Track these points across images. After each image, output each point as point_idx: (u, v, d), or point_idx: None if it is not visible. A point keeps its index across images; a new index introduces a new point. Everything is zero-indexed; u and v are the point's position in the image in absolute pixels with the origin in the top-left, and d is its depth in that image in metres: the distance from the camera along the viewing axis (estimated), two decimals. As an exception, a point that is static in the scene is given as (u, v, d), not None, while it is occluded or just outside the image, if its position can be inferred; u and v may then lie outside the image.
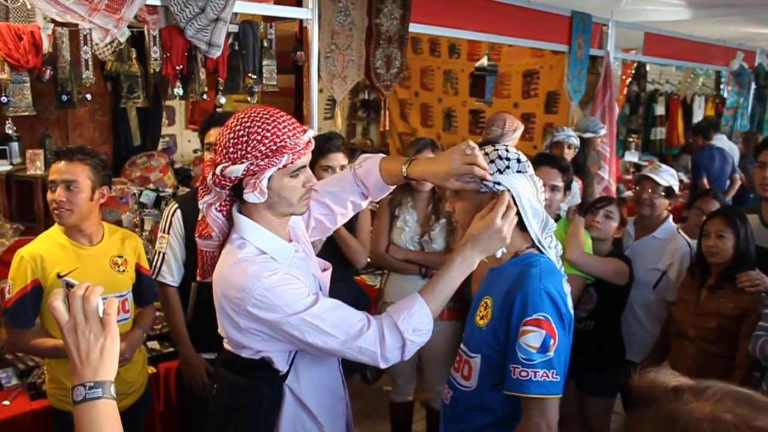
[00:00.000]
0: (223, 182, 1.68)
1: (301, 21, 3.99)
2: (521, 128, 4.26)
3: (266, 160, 1.64)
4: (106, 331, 1.17)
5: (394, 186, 1.98)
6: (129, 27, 3.18)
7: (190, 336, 2.88)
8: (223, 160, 1.67)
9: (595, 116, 6.08)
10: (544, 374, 1.66)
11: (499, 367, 1.74)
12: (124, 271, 2.65)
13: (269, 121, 1.65)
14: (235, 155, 1.65)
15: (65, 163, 2.45)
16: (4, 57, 2.94)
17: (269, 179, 1.66)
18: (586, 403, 3.28)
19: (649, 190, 3.38)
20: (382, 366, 1.73)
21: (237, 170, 1.64)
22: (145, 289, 2.79)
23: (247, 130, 1.64)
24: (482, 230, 1.72)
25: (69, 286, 1.20)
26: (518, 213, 1.76)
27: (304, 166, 1.73)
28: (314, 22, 3.91)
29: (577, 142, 4.55)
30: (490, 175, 1.74)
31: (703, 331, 2.88)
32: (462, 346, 1.92)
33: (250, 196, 1.67)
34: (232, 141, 1.65)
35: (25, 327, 2.49)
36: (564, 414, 3.18)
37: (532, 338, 1.67)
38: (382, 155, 1.97)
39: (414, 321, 1.70)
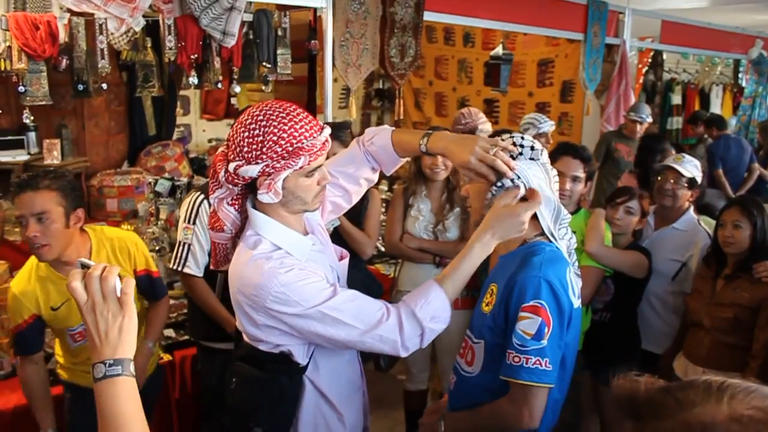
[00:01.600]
0: (235, 180, 1.64)
1: (315, 9, 3.99)
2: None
3: (282, 161, 1.59)
4: (123, 310, 1.19)
5: (407, 159, 1.95)
6: (144, 16, 3.19)
7: (213, 326, 2.81)
8: (237, 158, 1.62)
9: (610, 105, 6.04)
10: (537, 362, 1.65)
11: (499, 353, 1.73)
12: None
13: (286, 120, 1.60)
14: (250, 155, 1.60)
15: (31, 194, 2.19)
16: (21, 47, 2.97)
17: (284, 179, 1.63)
18: (601, 395, 3.28)
19: (671, 181, 3.34)
20: (403, 355, 1.73)
21: (252, 170, 1.60)
22: (155, 287, 2.65)
23: (263, 129, 1.59)
24: (506, 218, 1.71)
25: (85, 266, 1.22)
26: (525, 200, 1.76)
27: (320, 165, 1.70)
28: (328, 10, 3.90)
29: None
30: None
31: (718, 321, 2.86)
32: (468, 332, 1.92)
33: (264, 197, 1.64)
34: (247, 140, 1.60)
35: (32, 353, 2.44)
36: (581, 406, 3.21)
37: (527, 324, 1.67)
38: (390, 128, 1.93)
39: (432, 308, 1.70)
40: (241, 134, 1.62)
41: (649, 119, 5.33)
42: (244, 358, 1.82)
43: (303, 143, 1.60)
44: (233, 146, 1.64)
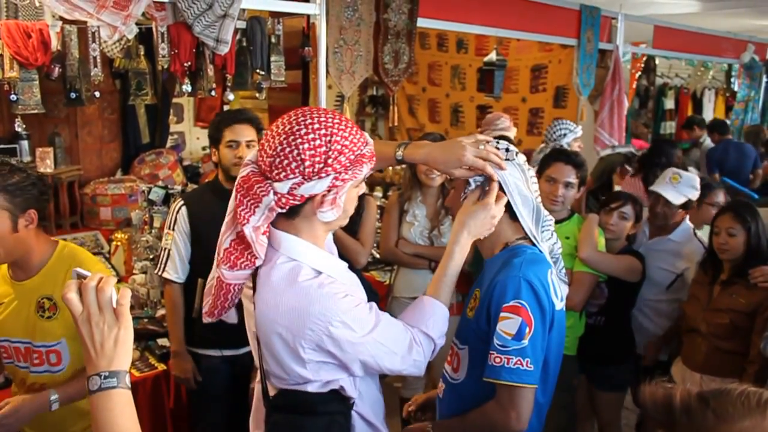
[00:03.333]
0: (290, 202, 1.46)
1: (308, 16, 3.98)
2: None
3: (349, 173, 1.48)
4: (119, 321, 1.18)
5: (379, 169, 1.89)
6: (137, 24, 3.18)
7: (195, 333, 2.89)
8: (292, 176, 1.44)
9: (603, 110, 6.05)
10: (518, 362, 1.65)
11: (483, 357, 1.73)
12: (51, 317, 2.12)
13: (344, 128, 1.48)
14: (312, 169, 1.44)
15: None
16: (13, 55, 2.94)
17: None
18: (596, 398, 3.28)
19: (662, 204, 3.35)
20: (420, 374, 1.71)
21: (319, 186, 1.45)
22: None
23: (326, 139, 1.44)
24: (478, 212, 1.71)
25: (81, 277, 1.21)
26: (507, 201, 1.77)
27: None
28: (322, 17, 3.89)
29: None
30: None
31: (715, 327, 2.85)
32: (454, 338, 1.92)
33: (327, 215, 1.50)
34: (308, 152, 1.43)
35: None
36: (576, 410, 3.20)
37: (507, 325, 1.67)
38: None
39: (439, 324, 1.70)
40: (300, 147, 1.43)
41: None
42: (283, 408, 1.61)
43: (363, 149, 1.51)
44: (283, 161, 1.45)
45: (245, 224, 1.49)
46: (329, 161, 1.44)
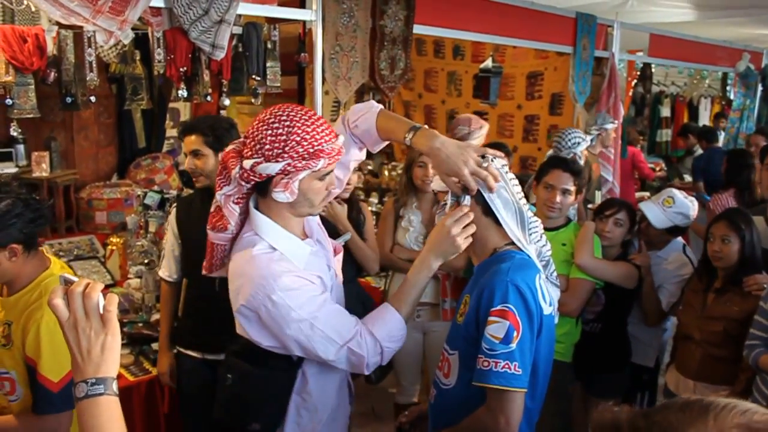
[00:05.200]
0: (251, 178, 1.66)
1: (304, 23, 3.99)
2: (486, 126, 4.24)
3: (303, 162, 1.63)
4: (106, 327, 1.17)
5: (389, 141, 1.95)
6: (133, 29, 3.17)
7: (179, 332, 2.96)
8: (255, 156, 1.65)
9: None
10: (506, 366, 1.65)
11: (473, 363, 1.73)
12: (5, 345, 2.01)
13: (308, 123, 1.65)
14: (271, 153, 1.63)
15: None
16: (8, 59, 2.95)
17: (300, 180, 1.67)
18: (592, 406, 3.27)
19: (647, 222, 3.34)
20: (366, 372, 1.79)
21: (272, 168, 1.63)
22: (33, 394, 2.01)
23: (287, 129, 1.63)
24: (439, 238, 1.79)
25: (68, 282, 1.19)
26: (489, 208, 1.78)
27: (332, 171, 1.74)
28: (318, 23, 3.90)
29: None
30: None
31: (709, 334, 2.86)
32: (445, 344, 1.93)
33: (279, 196, 1.67)
34: (269, 138, 1.63)
35: None
36: (571, 417, 3.20)
37: (495, 329, 1.67)
38: (377, 107, 1.90)
39: (388, 328, 1.78)
40: (264, 132, 1.64)
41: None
42: (239, 354, 1.83)
43: (324, 146, 1.65)
44: (252, 143, 1.66)
45: (218, 191, 1.74)
46: (286, 149, 1.62)
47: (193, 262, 2.87)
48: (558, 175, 3.04)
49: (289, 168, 1.63)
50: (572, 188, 3.06)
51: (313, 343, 1.69)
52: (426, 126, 1.81)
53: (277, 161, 1.63)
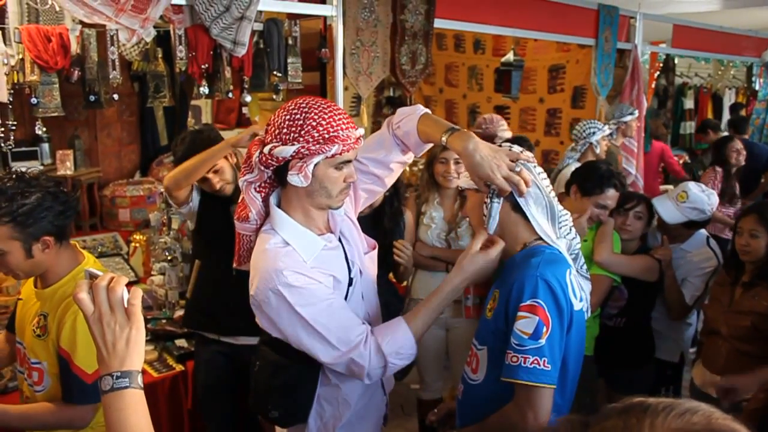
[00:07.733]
0: (269, 161, 1.71)
1: (325, 18, 3.98)
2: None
3: (317, 146, 1.67)
4: (131, 321, 1.18)
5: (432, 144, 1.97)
6: (155, 27, 3.20)
7: (193, 313, 3.00)
8: (274, 140, 1.71)
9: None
10: (535, 361, 1.64)
11: (501, 358, 1.72)
12: (40, 336, 2.04)
13: (326, 111, 1.70)
14: (288, 137, 1.69)
15: None
16: (33, 59, 2.98)
17: (315, 166, 1.70)
18: (616, 401, 3.24)
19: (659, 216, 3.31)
20: (366, 382, 1.82)
21: (287, 151, 1.68)
22: (65, 384, 2.02)
23: (303, 114, 1.68)
24: (479, 261, 1.82)
25: (93, 277, 1.20)
26: (518, 204, 1.78)
27: (350, 161, 1.77)
28: (339, 19, 3.90)
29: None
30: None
31: (736, 329, 2.81)
32: (474, 340, 1.92)
33: (294, 179, 1.70)
34: (287, 122, 1.69)
35: None
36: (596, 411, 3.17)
37: (524, 324, 1.66)
38: (422, 110, 1.92)
39: (397, 345, 1.78)
40: (283, 117, 1.71)
41: None
42: (268, 343, 1.88)
43: (339, 133, 1.69)
44: (272, 129, 1.73)
45: (241, 178, 1.81)
46: (302, 132, 1.68)
47: (207, 242, 2.89)
48: (615, 196, 2.99)
49: (303, 151, 1.67)
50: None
51: (312, 343, 1.73)
52: (464, 129, 1.81)
53: (293, 144, 1.68)
